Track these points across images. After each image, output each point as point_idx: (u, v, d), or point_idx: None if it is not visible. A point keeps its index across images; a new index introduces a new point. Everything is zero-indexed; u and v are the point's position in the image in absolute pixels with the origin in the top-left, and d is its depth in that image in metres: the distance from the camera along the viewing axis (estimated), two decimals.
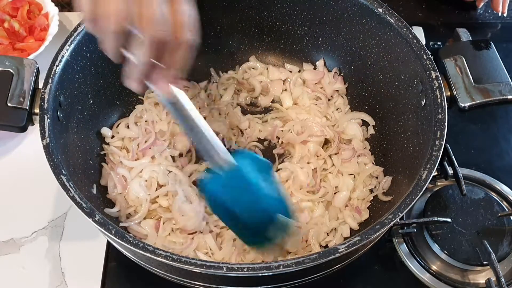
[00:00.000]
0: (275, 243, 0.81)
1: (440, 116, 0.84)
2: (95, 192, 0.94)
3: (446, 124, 0.83)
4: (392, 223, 0.75)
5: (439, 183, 1.06)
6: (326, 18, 1.06)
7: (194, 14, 0.71)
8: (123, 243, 0.72)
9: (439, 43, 1.29)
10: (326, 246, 0.94)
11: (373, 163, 1.02)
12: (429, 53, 0.90)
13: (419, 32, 1.26)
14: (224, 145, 0.80)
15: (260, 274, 0.70)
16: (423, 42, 1.21)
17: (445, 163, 0.95)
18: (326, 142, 1.06)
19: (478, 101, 0.88)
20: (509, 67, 0.92)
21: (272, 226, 0.78)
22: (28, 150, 1.09)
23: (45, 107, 0.82)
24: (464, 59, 0.92)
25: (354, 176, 1.01)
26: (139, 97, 1.08)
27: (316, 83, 1.13)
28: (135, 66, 0.71)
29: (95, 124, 1.00)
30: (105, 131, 1.02)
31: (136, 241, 0.72)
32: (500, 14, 1.34)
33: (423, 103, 0.90)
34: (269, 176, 0.81)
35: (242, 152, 0.93)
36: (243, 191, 0.77)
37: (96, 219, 0.74)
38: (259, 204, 0.78)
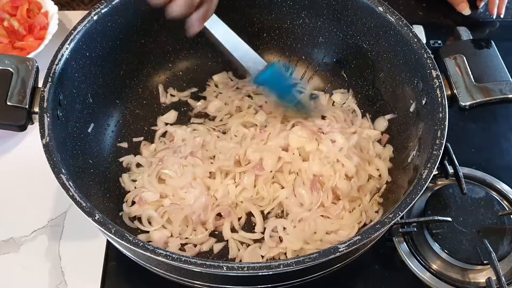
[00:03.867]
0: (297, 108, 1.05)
1: (440, 115, 0.84)
2: (94, 191, 0.93)
3: (446, 123, 0.83)
4: (393, 222, 0.75)
5: (439, 182, 1.05)
6: (326, 16, 1.05)
7: None
8: (122, 242, 0.72)
9: (439, 42, 1.29)
10: None
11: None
12: (430, 52, 0.89)
13: (419, 31, 1.26)
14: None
15: (260, 274, 0.70)
16: (424, 41, 1.21)
17: (446, 162, 0.96)
18: None
19: (478, 100, 0.88)
20: (509, 66, 0.92)
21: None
22: (28, 149, 1.09)
23: (44, 106, 0.82)
24: (464, 58, 0.91)
25: None
26: (139, 96, 1.08)
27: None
28: None
29: (95, 123, 1.00)
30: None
31: (136, 240, 0.71)
32: (495, 16, 1.34)
33: (423, 102, 0.90)
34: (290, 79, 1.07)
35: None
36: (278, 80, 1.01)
37: (96, 218, 0.74)
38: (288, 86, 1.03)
